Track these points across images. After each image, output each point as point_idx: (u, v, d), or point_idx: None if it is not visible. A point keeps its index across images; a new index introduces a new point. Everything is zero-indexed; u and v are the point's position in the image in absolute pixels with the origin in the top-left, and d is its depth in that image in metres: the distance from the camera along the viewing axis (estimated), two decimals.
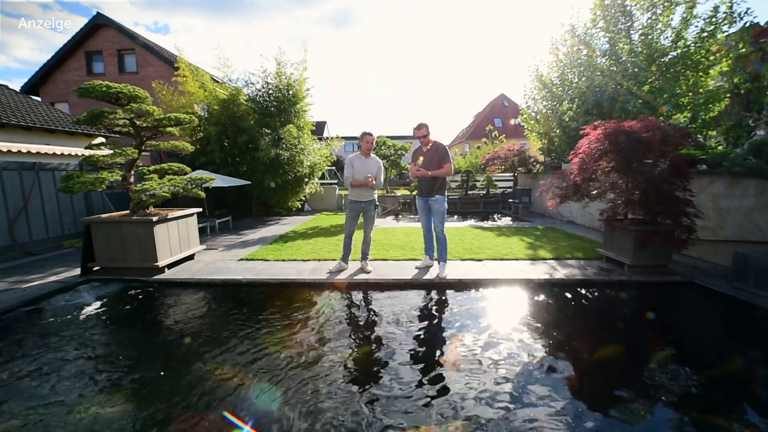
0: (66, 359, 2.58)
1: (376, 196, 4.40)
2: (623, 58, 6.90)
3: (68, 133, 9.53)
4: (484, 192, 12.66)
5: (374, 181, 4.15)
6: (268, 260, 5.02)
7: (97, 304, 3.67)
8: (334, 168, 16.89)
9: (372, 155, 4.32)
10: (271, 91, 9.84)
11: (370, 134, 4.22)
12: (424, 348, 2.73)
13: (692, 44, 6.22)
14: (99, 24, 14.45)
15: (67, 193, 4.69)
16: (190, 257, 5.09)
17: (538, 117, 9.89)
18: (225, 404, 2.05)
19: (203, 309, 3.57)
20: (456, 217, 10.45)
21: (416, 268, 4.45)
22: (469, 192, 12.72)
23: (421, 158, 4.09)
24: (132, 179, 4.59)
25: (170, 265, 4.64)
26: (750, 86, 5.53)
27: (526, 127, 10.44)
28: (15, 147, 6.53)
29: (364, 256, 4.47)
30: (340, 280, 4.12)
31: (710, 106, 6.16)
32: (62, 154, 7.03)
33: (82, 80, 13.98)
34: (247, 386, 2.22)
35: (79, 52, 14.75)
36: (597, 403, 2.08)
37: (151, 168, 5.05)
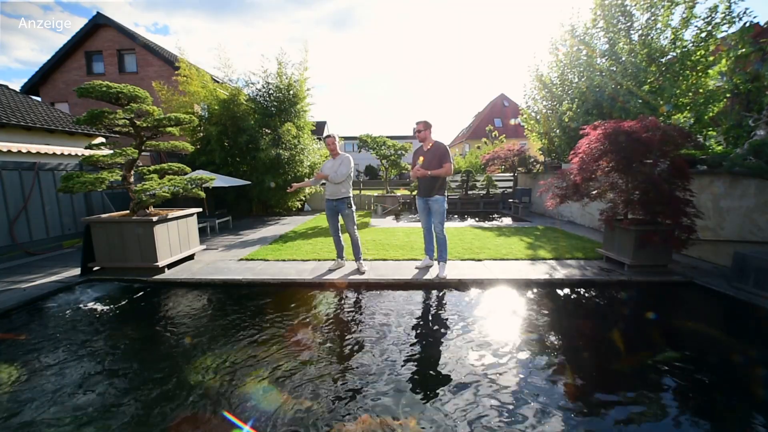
0: (66, 359, 2.58)
1: (350, 194, 4.39)
2: (623, 58, 6.89)
3: (68, 133, 9.53)
4: (484, 192, 12.66)
5: (323, 174, 4.22)
6: (268, 260, 5.02)
7: (97, 304, 3.67)
8: None
9: (341, 153, 4.38)
10: (271, 91, 9.84)
11: (329, 136, 4.35)
12: (423, 348, 2.73)
13: (691, 44, 6.22)
14: (99, 24, 14.46)
15: (67, 193, 4.68)
16: (190, 257, 5.09)
17: (538, 117, 9.89)
18: (225, 404, 2.05)
19: (203, 309, 3.57)
20: (456, 217, 10.45)
21: (416, 268, 4.45)
22: (469, 192, 12.71)
23: (421, 158, 4.08)
24: (132, 179, 4.59)
25: (170, 265, 4.63)
26: (750, 86, 5.51)
27: (526, 127, 10.43)
28: (15, 147, 6.53)
29: (357, 257, 4.47)
30: (339, 280, 4.12)
31: (710, 106, 6.16)
32: (62, 154, 7.03)
33: (82, 80, 13.99)
34: (247, 386, 2.22)
35: (79, 52, 14.75)
36: (597, 402, 2.08)
37: (151, 168, 5.05)
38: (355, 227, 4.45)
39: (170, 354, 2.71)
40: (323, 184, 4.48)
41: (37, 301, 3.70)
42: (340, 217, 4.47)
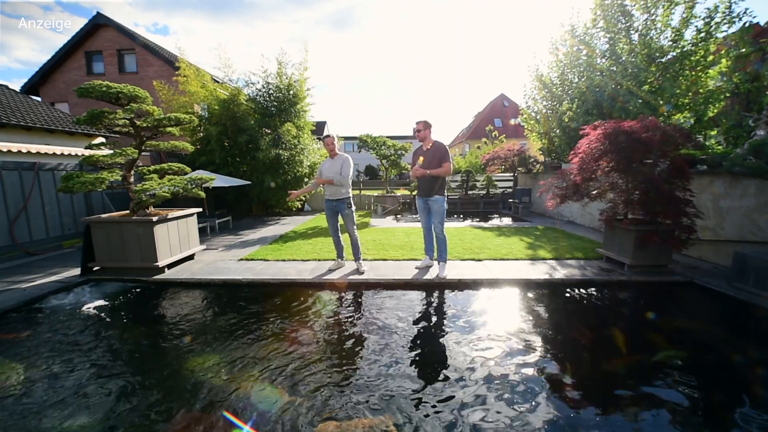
0: (66, 359, 2.58)
1: (350, 194, 4.39)
2: (623, 58, 6.90)
3: (68, 133, 9.54)
4: (484, 192, 12.66)
5: (325, 180, 4.21)
6: (268, 260, 5.02)
7: (97, 304, 3.67)
8: None
9: (339, 153, 4.38)
10: (271, 91, 9.84)
11: (328, 136, 4.35)
12: (423, 348, 2.73)
13: (691, 44, 6.22)
14: (99, 24, 14.46)
15: (67, 193, 4.69)
16: (190, 257, 5.09)
17: (538, 117, 9.89)
18: (225, 404, 2.05)
19: (203, 309, 3.57)
20: (456, 217, 10.45)
21: (416, 268, 4.45)
22: (469, 192, 12.72)
23: (421, 158, 4.08)
24: (132, 179, 4.59)
25: (170, 265, 4.63)
26: (750, 86, 5.52)
27: (526, 127, 10.44)
28: (15, 147, 6.53)
29: (357, 257, 4.47)
30: (339, 280, 4.12)
31: (710, 106, 6.16)
32: (62, 154, 7.03)
33: (82, 80, 13.99)
34: (247, 386, 2.22)
35: (79, 52, 14.75)
36: (596, 403, 2.08)
37: (151, 168, 5.05)
38: (355, 227, 4.45)
39: (170, 354, 2.71)
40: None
41: (37, 301, 3.70)
42: (339, 217, 4.47)
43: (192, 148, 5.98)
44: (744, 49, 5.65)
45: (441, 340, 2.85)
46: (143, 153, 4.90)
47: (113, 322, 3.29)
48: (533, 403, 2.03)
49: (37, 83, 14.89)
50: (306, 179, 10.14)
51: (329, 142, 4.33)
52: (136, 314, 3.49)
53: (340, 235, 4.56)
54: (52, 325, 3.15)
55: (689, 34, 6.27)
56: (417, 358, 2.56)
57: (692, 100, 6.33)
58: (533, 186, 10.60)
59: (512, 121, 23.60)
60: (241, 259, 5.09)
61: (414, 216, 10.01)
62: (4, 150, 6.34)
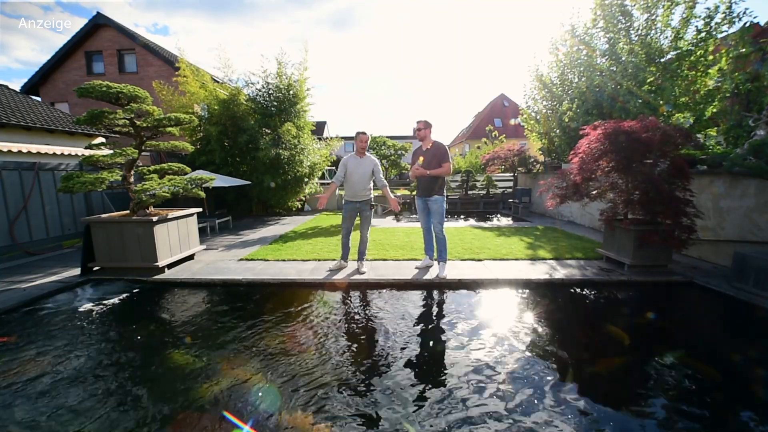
0: (65, 360, 2.58)
1: (372, 195, 4.39)
2: (623, 58, 6.90)
3: (68, 133, 9.54)
4: (484, 192, 12.66)
5: (391, 199, 4.19)
6: (268, 260, 5.02)
7: (97, 304, 3.67)
8: (334, 168, 16.88)
9: (367, 154, 4.33)
10: (271, 91, 9.84)
11: (364, 133, 4.23)
12: (422, 348, 2.73)
13: (690, 44, 6.21)
14: (99, 24, 14.46)
15: (67, 193, 4.69)
16: (190, 257, 5.09)
17: (538, 117, 9.89)
18: (225, 404, 2.05)
19: (203, 309, 3.57)
20: (456, 217, 10.45)
21: (416, 268, 4.45)
22: (469, 192, 12.72)
23: (421, 158, 4.09)
24: (132, 179, 4.59)
25: (170, 265, 4.63)
26: (750, 86, 5.52)
27: (526, 127, 10.44)
28: (15, 147, 6.53)
29: (361, 257, 4.47)
30: (340, 280, 4.12)
31: (708, 105, 6.16)
32: (62, 154, 7.03)
33: (82, 80, 13.99)
34: (247, 386, 2.22)
35: (79, 52, 14.76)
36: (595, 403, 2.08)
37: (151, 168, 5.05)
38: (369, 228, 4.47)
39: (170, 354, 2.71)
40: (325, 184, 4.44)
41: (37, 301, 3.70)
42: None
43: (192, 148, 5.98)
44: (744, 49, 5.65)
45: (440, 340, 2.85)
46: (143, 153, 4.90)
47: (113, 322, 3.29)
48: (533, 403, 2.03)
49: (37, 83, 14.89)
50: (306, 179, 10.13)
51: (364, 139, 4.22)
52: (136, 314, 3.49)
53: (350, 236, 4.52)
54: (52, 326, 3.15)
55: (689, 34, 6.27)
56: (415, 359, 2.56)
57: (691, 99, 6.33)
58: (533, 186, 10.60)
59: (512, 121, 23.56)
60: (241, 259, 5.09)
61: (414, 216, 10.01)
62: (4, 150, 6.34)
